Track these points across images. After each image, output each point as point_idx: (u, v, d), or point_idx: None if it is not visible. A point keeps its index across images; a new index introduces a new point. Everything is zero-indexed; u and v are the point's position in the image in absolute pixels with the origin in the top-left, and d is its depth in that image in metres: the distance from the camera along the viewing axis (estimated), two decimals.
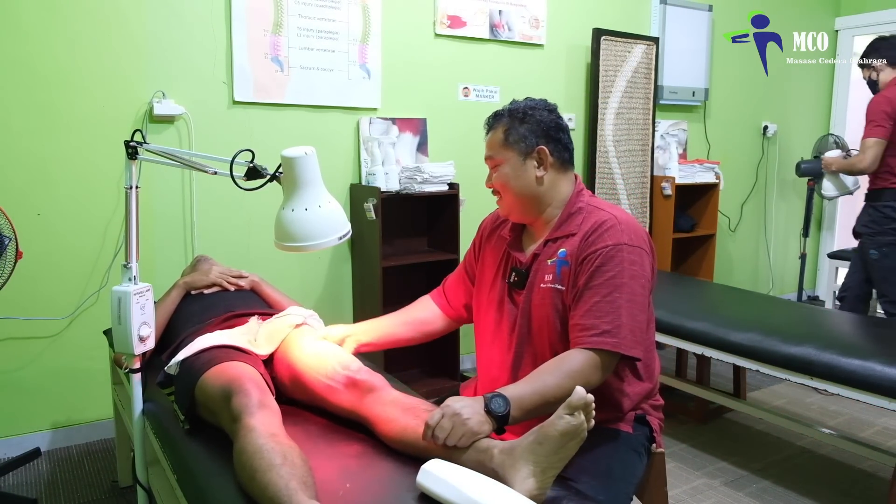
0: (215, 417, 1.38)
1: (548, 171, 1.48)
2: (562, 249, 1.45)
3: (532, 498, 1.07)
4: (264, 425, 1.21)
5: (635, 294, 1.36)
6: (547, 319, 1.44)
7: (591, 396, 1.10)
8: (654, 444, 1.54)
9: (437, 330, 1.75)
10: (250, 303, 1.92)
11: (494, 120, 1.53)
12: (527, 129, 1.47)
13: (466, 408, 1.22)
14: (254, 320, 1.74)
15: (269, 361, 1.60)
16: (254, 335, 1.66)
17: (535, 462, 1.10)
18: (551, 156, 1.47)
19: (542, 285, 1.46)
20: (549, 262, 1.46)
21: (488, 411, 1.22)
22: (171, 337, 1.80)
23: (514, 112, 1.49)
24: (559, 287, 1.43)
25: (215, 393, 1.36)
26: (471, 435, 1.19)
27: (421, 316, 1.74)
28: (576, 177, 1.55)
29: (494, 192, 1.55)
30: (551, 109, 1.52)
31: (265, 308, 1.91)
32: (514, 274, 1.52)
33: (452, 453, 1.19)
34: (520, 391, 1.28)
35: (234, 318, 1.76)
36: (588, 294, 1.37)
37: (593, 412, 1.12)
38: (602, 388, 1.41)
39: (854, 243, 3.43)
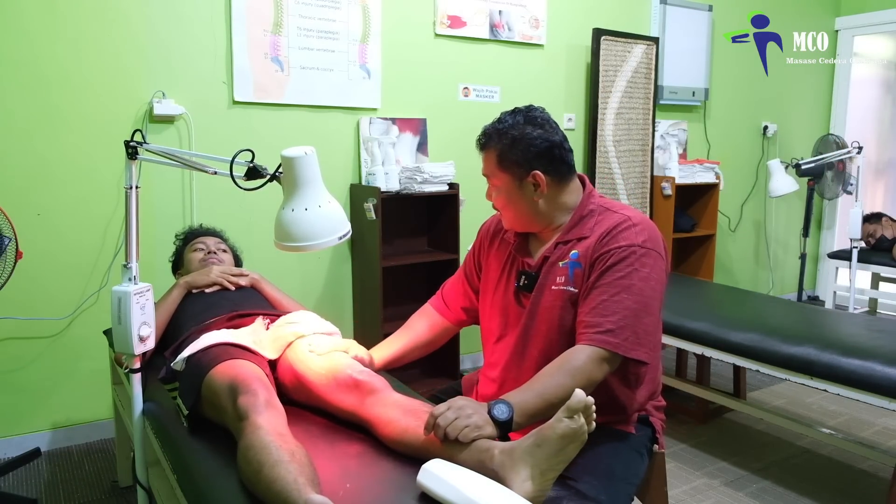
0: (219, 414, 1.38)
1: (546, 191, 1.45)
2: (574, 251, 1.43)
3: (531, 500, 1.07)
4: (271, 424, 1.22)
5: (644, 297, 1.35)
6: (558, 321, 1.43)
7: (590, 399, 1.09)
8: (655, 445, 1.55)
9: (441, 338, 1.74)
10: (255, 302, 1.92)
11: (485, 141, 1.47)
12: (519, 154, 1.42)
13: (472, 405, 1.23)
14: (259, 321, 1.74)
15: (272, 363, 1.60)
16: (259, 336, 1.66)
17: (533, 464, 1.10)
18: (547, 175, 1.43)
19: (553, 287, 1.44)
20: (560, 264, 1.45)
21: (491, 416, 1.22)
22: (173, 336, 1.79)
23: (502, 135, 1.44)
24: (572, 289, 1.42)
25: (222, 389, 1.36)
26: (473, 429, 1.19)
27: (425, 336, 1.71)
28: (583, 179, 1.52)
29: (495, 207, 1.54)
30: (540, 124, 1.44)
31: (270, 308, 1.91)
32: (523, 278, 1.50)
33: (453, 452, 1.19)
34: (522, 397, 1.27)
35: (239, 318, 1.76)
36: (596, 292, 1.37)
37: (594, 415, 1.11)
38: (607, 389, 1.41)
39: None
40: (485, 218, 1.73)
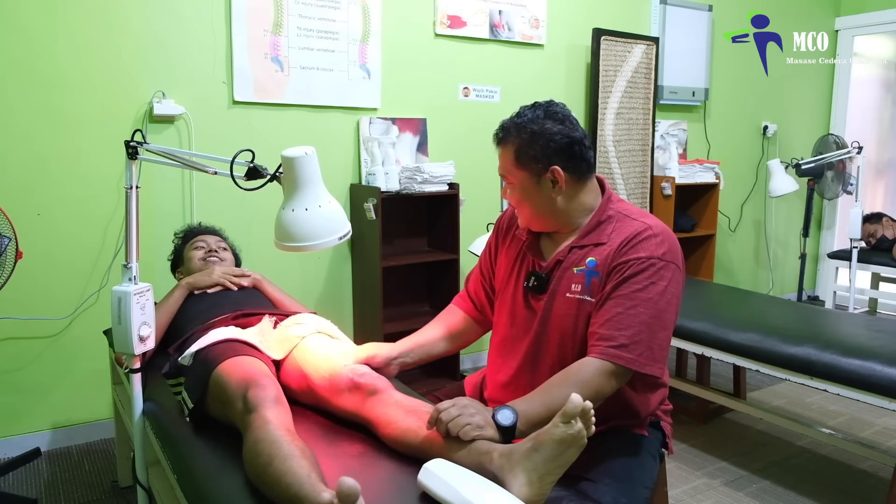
0: (225, 409, 1.38)
1: (564, 188, 1.41)
2: (590, 258, 1.40)
3: (529, 503, 1.07)
4: (280, 420, 1.23)
5: (660, 311, 1.32)
6: (573, 330, 1.40)
7: (588, 403, 1.08)
8: (664, 449, 1.55)
9: (472, 337, 1.69)
10: (258, 302, 1.92)
11: (503, 135, 1.43)
12: (538, 149, 1.38)
13: (476, 406, 1.23)
14: (266, 319, 1.74)
15: (276, 364, 1.61)
16: (266, 336, 1.66)
17: (531, 469, 1.09)
18: (566, 172, 1.39)
19: (567, 294, 1.41)
20: (575, 270, 1.41)
21: (495, 420, 1.21)
22: (175, 336, 1.79)
23: (521, 130, 1.40)
24: (588, 298, 1.38)
25: (231, 383, 1.36)
26: (474, 428, 1.18)
27: (457, 328, 1.67)
28: (602, 182, 1.49)
29: (511, 204, 1.51)
30: (560, 119, 1.40)
31: (274, 308, 1.92)
32: (533, 278, 1.46)
33: (452, 452, 1.18)
34: (528, 405, 1.26)
35: (244, 317, 1.76)
36: (611, 303, 1.33)
37: (593, 418, 1.09)
38: (622, 395, 1.40)
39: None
40: (484, 218, 1.72)
